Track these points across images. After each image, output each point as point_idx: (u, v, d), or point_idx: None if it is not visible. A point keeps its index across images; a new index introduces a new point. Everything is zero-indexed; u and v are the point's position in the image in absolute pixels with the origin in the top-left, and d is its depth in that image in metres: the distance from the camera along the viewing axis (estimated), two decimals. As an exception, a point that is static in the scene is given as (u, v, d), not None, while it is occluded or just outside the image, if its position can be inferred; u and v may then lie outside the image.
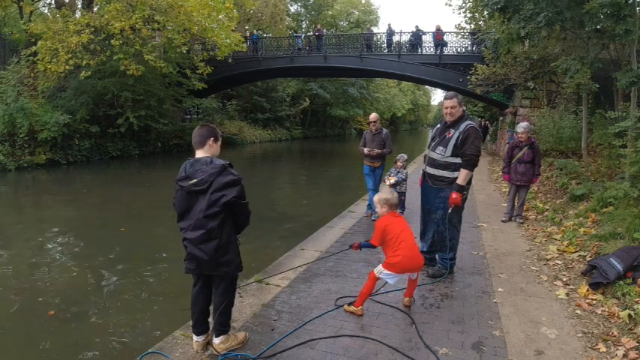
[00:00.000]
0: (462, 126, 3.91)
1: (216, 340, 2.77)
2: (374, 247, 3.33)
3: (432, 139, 4.17)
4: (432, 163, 4.07)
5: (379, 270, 3.25)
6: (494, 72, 14.02)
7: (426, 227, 4.39)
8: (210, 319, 2.86)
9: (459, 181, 3.87)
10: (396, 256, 3.17)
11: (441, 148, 3.99)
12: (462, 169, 3.87)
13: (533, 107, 13.92)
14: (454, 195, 3.87)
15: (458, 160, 3.91)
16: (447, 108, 3.98)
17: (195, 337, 2.82)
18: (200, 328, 2.81)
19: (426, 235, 4.43)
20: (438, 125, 4.25)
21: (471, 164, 3.86)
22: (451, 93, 4.09)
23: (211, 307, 2.85)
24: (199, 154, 2.73)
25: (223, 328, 2.78)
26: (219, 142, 2.79)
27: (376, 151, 6.34)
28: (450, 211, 3.99)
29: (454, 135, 3.91)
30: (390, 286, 3.67)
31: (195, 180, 2.56)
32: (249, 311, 3.38)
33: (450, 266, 4.18)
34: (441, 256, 4.20)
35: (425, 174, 4.18)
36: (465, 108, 4.17)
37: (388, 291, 3.72)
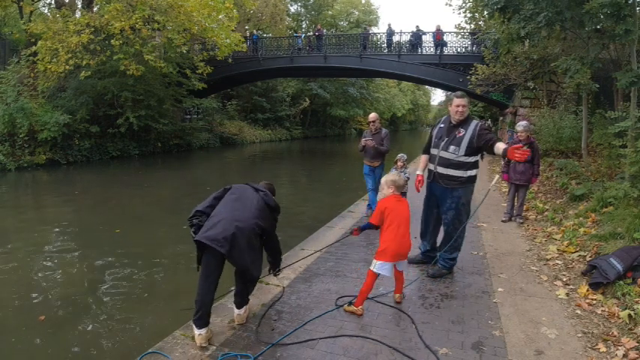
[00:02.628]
0: (473, 124, 3.93)
1: (240, 311, 3.18)
2: (375, 226, 3.39)
3: (440, 139, 4.07)
4: (445, 162, 3.99)
5: (374, 264, 3.30)
6: (494, 72, 14.02)
7: (428, 227, 4.36)
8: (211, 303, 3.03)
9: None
10: (385, 242, 3.27)
11: (453, 147, 3.93)
12: (497, 144, 3.75)
13: (533, 107, 13.93)
14: (517, 152, 3.48)
15: (470, 159, 3.92)
16: (458, 107, 3.93)
17: (198, 330, 2.88)
18: (205, 320, 2.91)
19: (427, 235, 4.41)
20: (441, 125, 4.15)
21: (498, 141, 3.86)
22: (461, 92, 4.06)
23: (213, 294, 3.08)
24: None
25: (246, 300, 3.22)
26: None
27: (372, 142, 6.33)
28: (464, 212, 4.02)
29: (466, 134, 3.89)
30: (390, 287, 3.67)
31: (272, 198, 3.27)
32: (249, 311, 3.37)
33: (450, 266, 4.18)
34: (443, 255, 4.16)
35: (435, 174, 4.08)
36: None
37: (389, 291, 3.73)
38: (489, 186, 5.02)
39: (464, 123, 3.96)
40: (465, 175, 3.95)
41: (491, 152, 3.88)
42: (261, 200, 3.14)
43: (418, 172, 4.31)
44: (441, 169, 4.02)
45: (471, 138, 3.87)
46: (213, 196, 3.19)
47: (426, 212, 4.37)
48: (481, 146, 3.87)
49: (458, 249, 4.18)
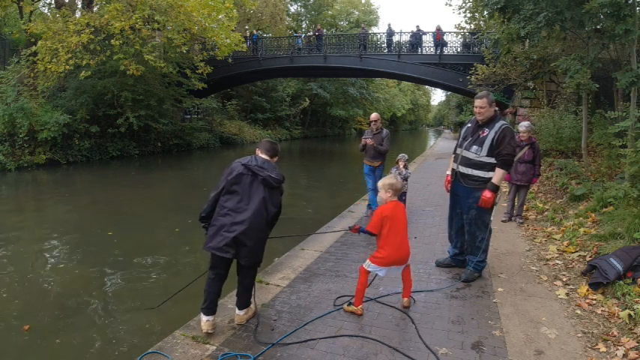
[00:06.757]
0: (497, 125, 3.88)
1: (240, 313, 3.19)
2: (372, 234, 3.30)
3: (464, 138, 4.06)
4: (467, 162, 3.97)
5: (367, 264, 3.29)
6: (494, 72, 14.03)
7: (452, 228, 4.30)
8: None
9: (494, 181, 3.81)
10: (384, 250, 3.23)
11: (475, 147, 3.92)
12: (497, 169, 3.82)
13: (533, 107, 13.91)
14: (488, 194, 3.79)
15: (493, 160, 3.86)
16: (475, 107, 3.93)
17: (206, 317, 3.00)
18: (213, 308, 3.04)
19: (452, 236, 4.34)
20: (468, 125, 4.16)
21: (507, 164, 3.85)
22: (483, 93, 4.03)
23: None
24: (266, 159, 3.17)
25: (247, 302, 3.22)
26: None
27: (371, 140, 6.36)
28: (486, 212, 3.94)
29: (489, 134, 3.86)
30: (391, 289, 3.67)
31: (274, 176, 3.04)
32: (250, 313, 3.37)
33: (481, 269, 4.12)
34: (471, 259, 4.09)
35: (457, 173, 4.06)
36: (497, 108, 4.10)
37: (389, 292, 3.72)
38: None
39: (489, 123, 3.92)
40: (486, 176, 3.88)
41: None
42: (261, 187, 3.02)
43: (447, 173, 4.28)
44: (462, 169, 4.00)
45: (492, 139, 3.83)
46: (213, 198, 3.11)
47: (450, 213, 4.30)
48: (497, 150, 3.82)
49: (485, 251, 4.10)
